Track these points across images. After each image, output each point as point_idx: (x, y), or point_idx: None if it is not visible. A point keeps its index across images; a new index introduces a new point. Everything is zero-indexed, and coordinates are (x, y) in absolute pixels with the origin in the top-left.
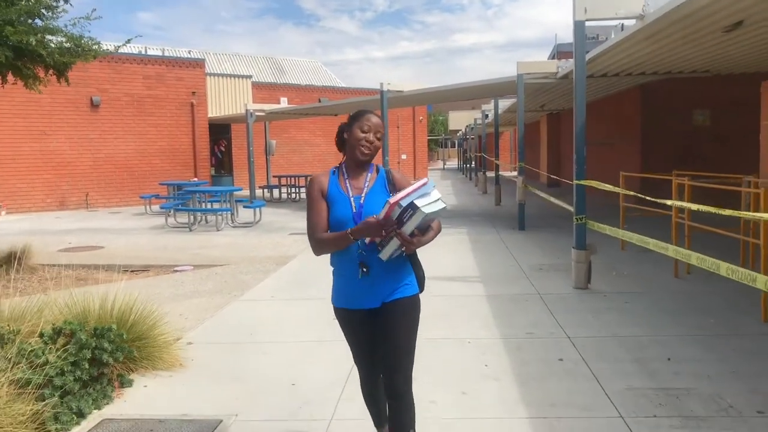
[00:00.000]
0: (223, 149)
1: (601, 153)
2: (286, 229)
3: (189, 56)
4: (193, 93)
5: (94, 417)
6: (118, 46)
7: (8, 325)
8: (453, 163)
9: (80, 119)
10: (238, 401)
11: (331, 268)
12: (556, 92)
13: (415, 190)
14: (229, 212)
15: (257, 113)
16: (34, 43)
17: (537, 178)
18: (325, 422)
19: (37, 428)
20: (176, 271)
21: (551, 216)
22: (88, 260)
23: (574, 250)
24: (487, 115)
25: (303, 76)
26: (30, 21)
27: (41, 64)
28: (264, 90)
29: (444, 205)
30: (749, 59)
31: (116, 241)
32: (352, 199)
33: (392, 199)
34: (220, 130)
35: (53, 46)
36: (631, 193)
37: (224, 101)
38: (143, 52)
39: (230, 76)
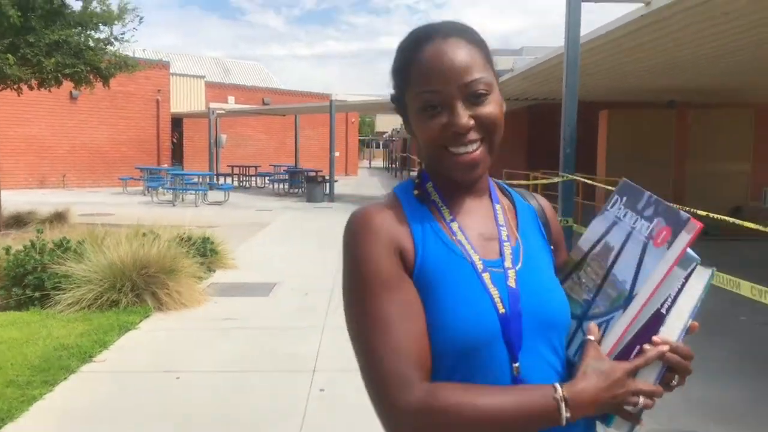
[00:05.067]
0: (174, 141)
1: (501, 157)
2: (252, 207)
3: (154, 57)
4: (159, 90)
5: (205, 282)
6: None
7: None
8: (377, 162)
9: (60, 109)
10: (277, 278)
11: None
12: None
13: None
14: (205, 192)
15: (218, 111)
16: (95, 59)
17: None
18: (324, 295)
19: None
20: None
21: None
22: (111, 222)
23: None
24: None
25: (247, 77)
26: (103, 47)
27: (97, 74)
28: (214, 89)
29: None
30: (591, 96)
31: (120, 211)
32: (486, 273)
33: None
34: (172, 124)
35: (106, 60)
36: None
37: (180, 98)
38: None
39: (187, 75)
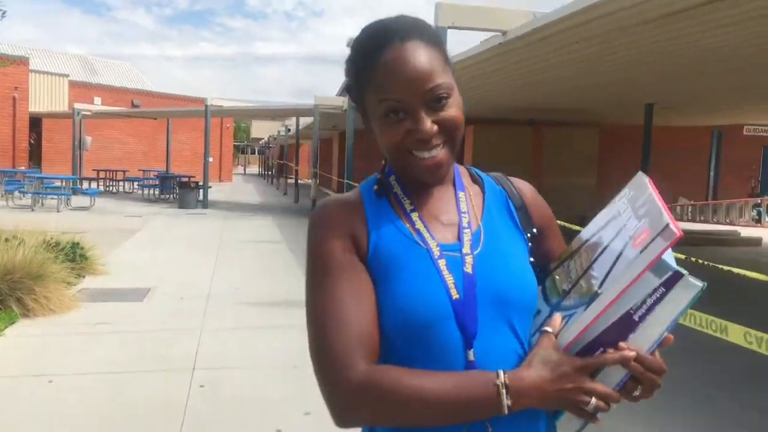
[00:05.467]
0: (32, 142)
1: (374, 168)
2: (121, 212)
3: (10, 52)
4: (16, 88)
5: (75, 288)
6: None
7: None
8: (253, 169)
9: None
10: (150, 284)
11: None
12: (344, 119)
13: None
14: (69, 196)
15: (84, 112)
16: None
17: (330, 185)
18: (205, 283)
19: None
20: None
21: None
22: None
23: None
24: (289, 129)
25: (115, 77)
26: None
27: None
28: (79, 89)
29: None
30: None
31: None
32: (442, 260)
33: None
34: (31, 123)
35: None
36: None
37: (39, 97)
38: None
39: (48, 73)
